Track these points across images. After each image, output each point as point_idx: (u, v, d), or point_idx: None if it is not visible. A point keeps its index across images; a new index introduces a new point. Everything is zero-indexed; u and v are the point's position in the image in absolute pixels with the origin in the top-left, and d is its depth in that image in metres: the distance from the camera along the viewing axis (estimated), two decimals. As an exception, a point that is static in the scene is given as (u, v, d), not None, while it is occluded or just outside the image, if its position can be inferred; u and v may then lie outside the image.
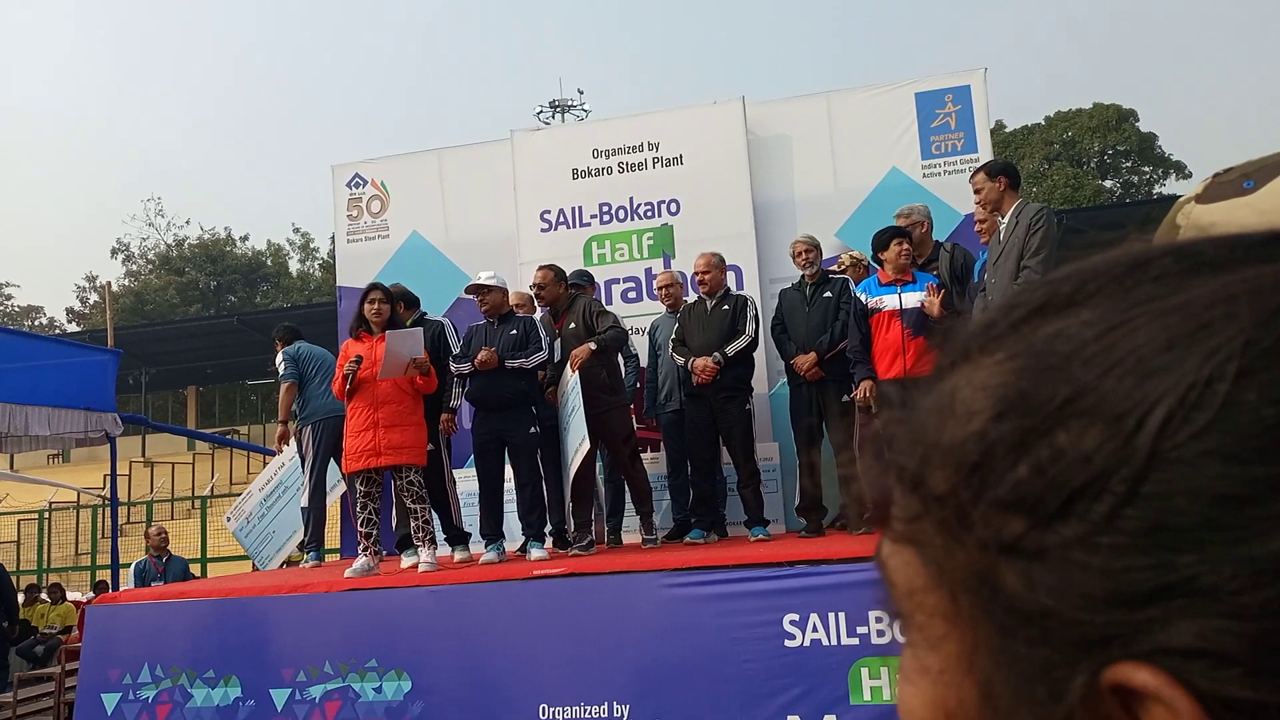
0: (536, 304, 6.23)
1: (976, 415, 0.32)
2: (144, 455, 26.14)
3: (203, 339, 31.57)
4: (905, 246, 5.37)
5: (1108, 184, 39.12)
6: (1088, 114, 39.26)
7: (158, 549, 9.23)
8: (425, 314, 6.49)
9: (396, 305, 5.74)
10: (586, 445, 5.38)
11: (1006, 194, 4.87)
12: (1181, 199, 0.84)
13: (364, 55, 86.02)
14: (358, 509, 5.29)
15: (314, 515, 6.64)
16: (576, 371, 5.51)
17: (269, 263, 47.19)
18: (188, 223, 50.62)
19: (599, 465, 6.24)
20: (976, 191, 5.02)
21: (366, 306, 5.46)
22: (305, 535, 6.73)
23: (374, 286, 5.58)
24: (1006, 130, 38.54)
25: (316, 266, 46.93)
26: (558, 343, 5.90)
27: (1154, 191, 39.30)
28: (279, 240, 48.27)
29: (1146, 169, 40.08)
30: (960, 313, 5.33)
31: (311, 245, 47.77)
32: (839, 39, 78.73)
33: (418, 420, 5.30)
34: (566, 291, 6.06)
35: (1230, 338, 0.29)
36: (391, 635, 4.57)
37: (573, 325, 5.87)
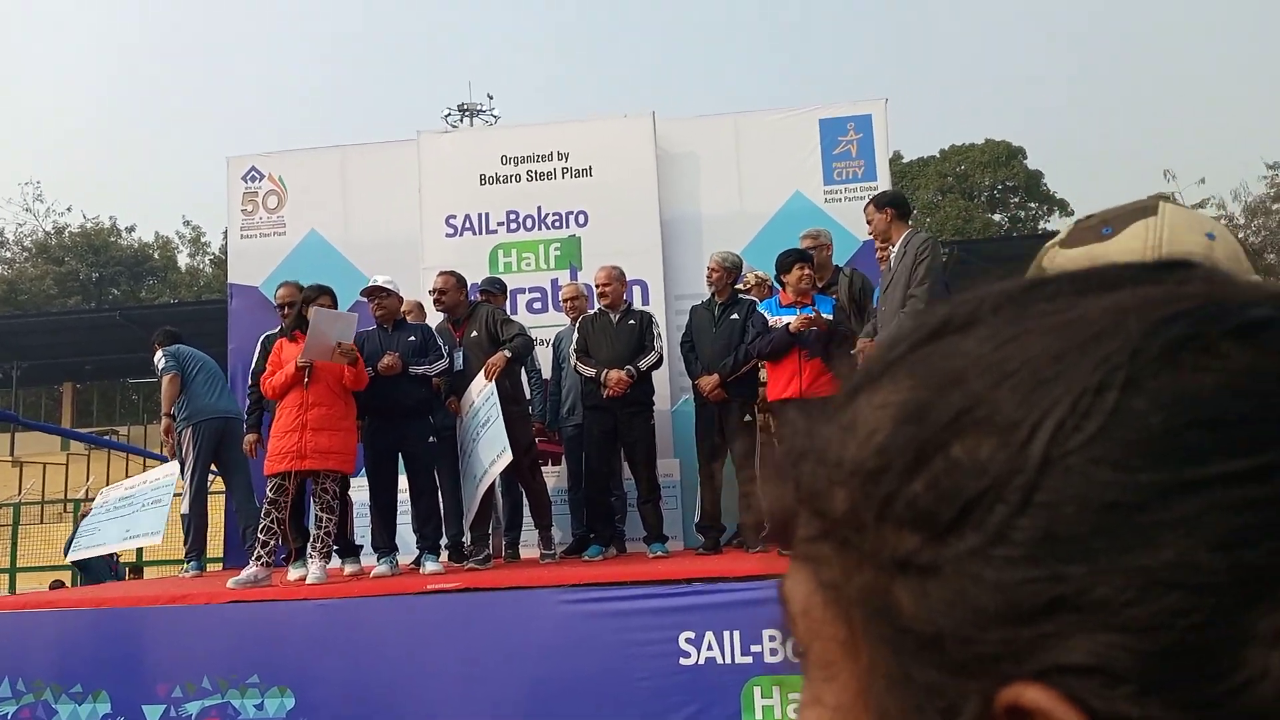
0: (436, 310, 6.09)
1: (876, 432, 0.32)
2: (12, 454, 24.63)
3: (82, 333, 29.93)
4: (807, 271, 5.49)
5: (997, 217, 40.87)
6: (979, 149, 40.99)
7: None
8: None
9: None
10: (508, 456, 5.28)
11: (894, 224, 5.05)
12: (1048, 244, 0.89)
13: (267, 44, 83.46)
14: (262, 514, 5.05)
15: (195, 522, 6.36)
16: (491, 381, 5.42)
17: (156, 256, 45.17)
18: (69, 209, 48.05)
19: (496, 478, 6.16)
20: (868, 223, 5.21)
21: (310, 309, 5.25)
22: (185, 543, 6.42)
23: (323, 289, 5.41)
24: (904, 160, 39.87)
25: (207, 262, 45.17)
26: (459, 352, 5.81)
27: (1039, 227, 41.22)
28: (168, 233, 46.30)
29: (1033, 205, 42.04)
30: (849, 335, 5.46)
31: (203, 239, 45.95)
32: (747, 60, 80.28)
33: (349, 426, 5.12)
34: (466, 299, 5.97)
35: (1119, 347, 0.29)
36: (275, 650, 4.39)
37: (475, 334, 5.79)
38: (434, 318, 6.90)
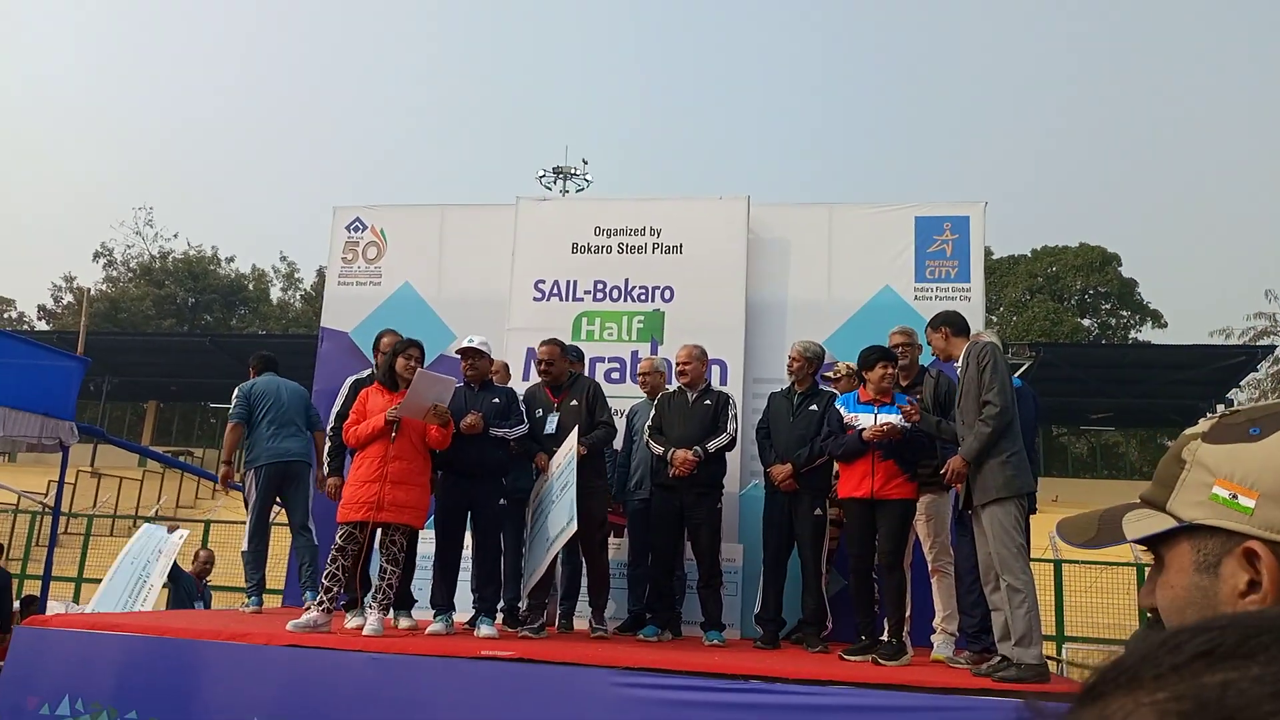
0: (541, 379, 6.11)
1: None
2: (93, 465, 25.50)
3: (172, 355, 31.20)
4: (890, 370, 5.41)
5: (1086, 322, 39.97)
6: (1073, 252, 40.33)
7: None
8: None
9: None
10: (573, 529, 5.27)
11: (952, 341, 5.01)
12: (1187, 433, 0.86)
13: (377, 98, 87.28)
14: (328, 561, 5.10)
15: (254, 559, 6.45)
16: (575, 450, 5.46)
17: (251, 287, 46.98)
18: (175, 236, 50.39)
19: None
20: (929, 343, 5.19)
21: (400, 360, 5.34)
22: (247, 580, 6.51)
23: (412, 343, 5.49)
24: (994, 257, 39.44)
25: (298, 297, 46.79)
26: (553, 416, 5.85)
27: (1130, 336, 40.20)
28: (264, 266, 48.18)
29: (1125, 313, 41.03)
30: (936, 438, 5.35)
31: (296, 275, 47.72)
32: (843, 152, 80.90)
33: (425, 482, 5.19)
34: (568, 367, 6.06)
35: None
36: (327, 698, 4.40)
37: (574, 403, 5.86)
38: (517, 380, 7.01)
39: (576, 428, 5.64)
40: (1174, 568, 0.83)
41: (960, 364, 4.90)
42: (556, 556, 5.64)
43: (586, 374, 6.84)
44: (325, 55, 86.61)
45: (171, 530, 8.83)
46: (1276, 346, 32.56)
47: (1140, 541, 0.86)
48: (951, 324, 5.05)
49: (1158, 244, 64.10)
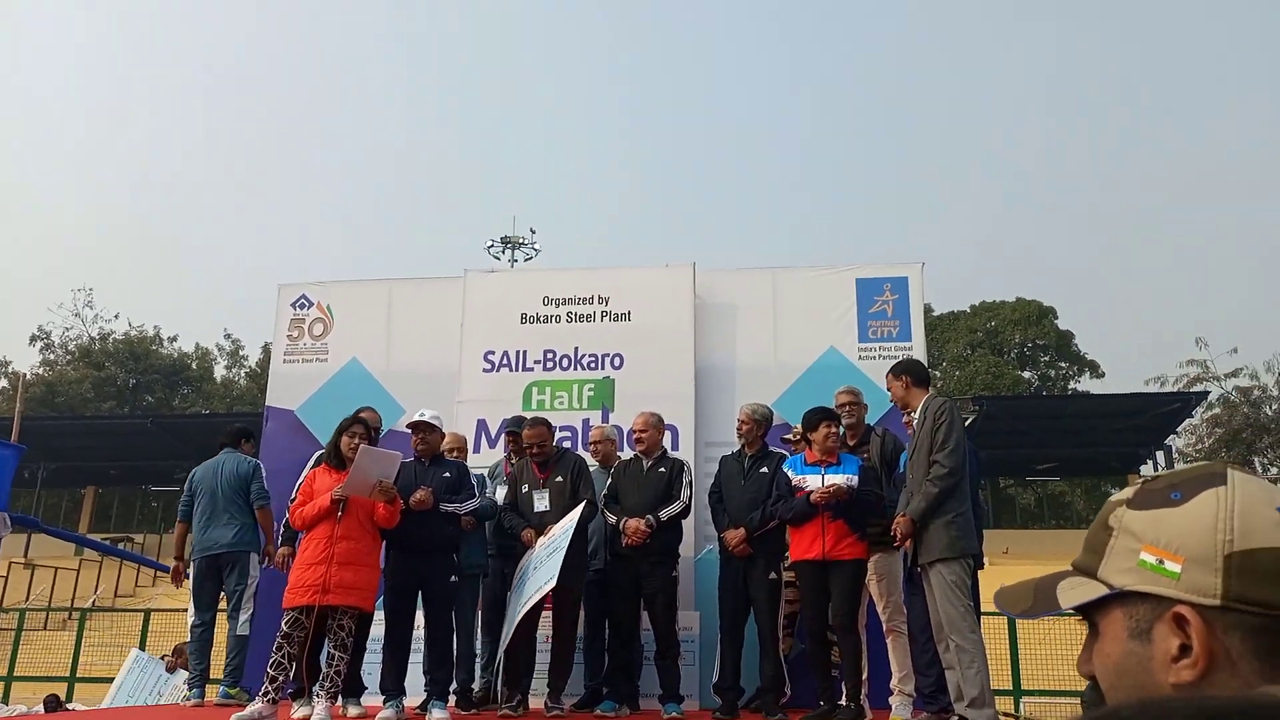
0: (532, 460, 6.08)
1: None
2: (26, 556, 24.53)
3: (111, 438, 30.35)
4: (833, 429, 5.47)
5: (1026, 374, 40.86)
6: (1010, 306, 41.39)
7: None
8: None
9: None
10: (553, 584, 5.21)
11: (911, 390, 5.10)
12: (1112, 499, 0.88)
13: (322, 172, 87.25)
14: (274, 649, 4.93)
15: (195, 649, 6.29)
16: (575, 519, 5.45)
17: (194, 365, 46.10)
18: (116, 316, 49.41)
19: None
20: (889, 389, 5.26)
21: (344, 438, 5.27)
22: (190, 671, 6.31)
23: (356, 419, 5.42)
24: (934, 314, 40.28)
25: (243, 375, 46.00)
26: (540, 494, 5.82)
27: (1069, 386, 41.13)
28: (208, 344, 47.38)
29: (1063, 364, 42.05)
30: (883, 497, 5.40)
31: (241, 353, 46.96)
32: (786, 219, 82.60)
33: (374, 563, 5.06)
34: (554, 443, 6.06)
35: None
36: (273, 794, 4.23)
37: (560, 479, 5.83)
38: (489, 455, 6.95)
39: (585, 502, 5.65)
40: (1108, 635, 0.84)
41: (918, 417, 4.96)
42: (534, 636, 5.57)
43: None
44: (266, 130, 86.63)
45: (171, 670, 8.54)
46: (1209, 392, 33.57)
47: (1074, 610, 0.88)
48: (912, 373, 5.13)
49: (1091, 295, 66.08)
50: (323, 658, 5.13)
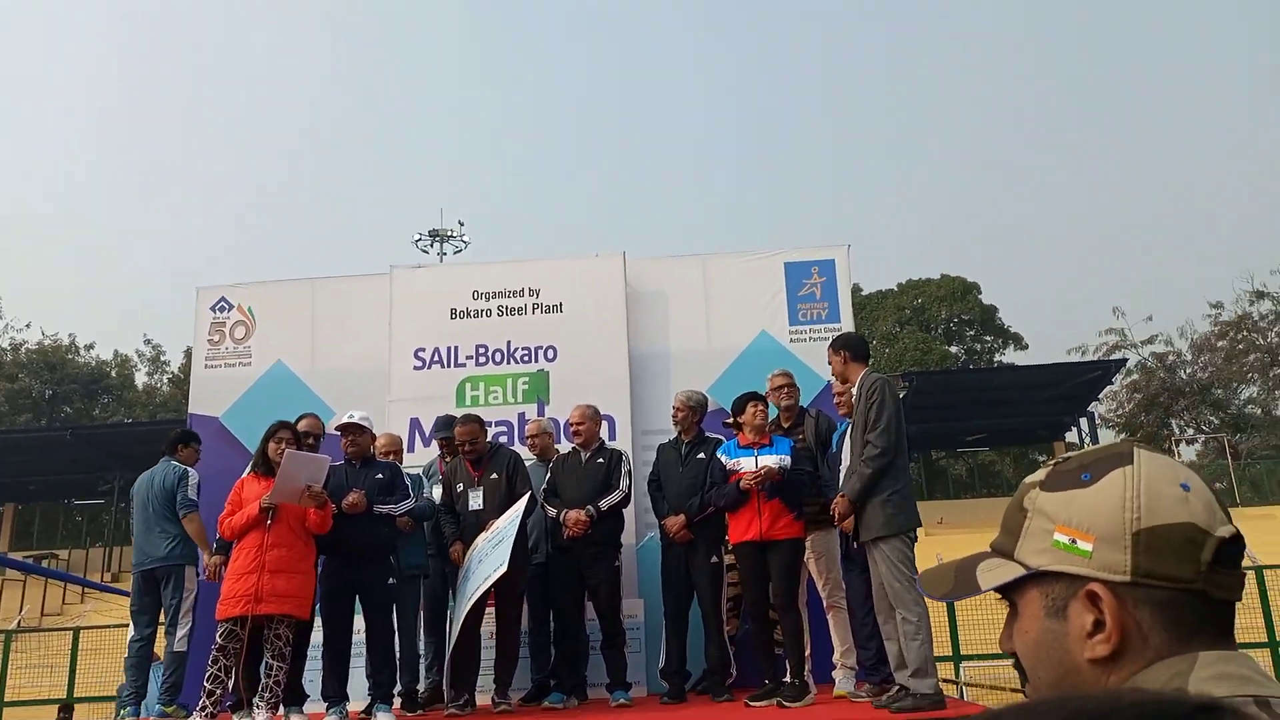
0: (465, 458, 6.01)
1: None
2: (-58, 579, 23.52)
3: (29, 452, 29.19)
4: (760, 408, 5.51)
5: (953, 349, 41.84)
6: (936, 284, 42.31)
7: None
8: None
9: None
10: (503, 569, 5.18)
11: (850, 365, 5.16)
12: (1026, 481, 0.91)
13: (238, 169, 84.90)
14: (209, 662, 4.81)
15: (131, 665, 6.11)
16: (520, 511, 5.43)
17: (113, 374, 44.60)
18: (28, 326, 47.44)
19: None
20: (829, 363, 5.34)
21: (271, 444, 5.14)
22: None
23: (283, 425, 5.30)
24: (863, 293, 40.97)
25: (165, 381, 44.67)
26: (475, 492, 5.77)
27: (994, 359, 42.24)
28: (127, 350, 45.87)
29: (988, 338, 43.16)
30: (818, 476, 5.47)
31: (163, 359, 45.60)
32: (714, 206, 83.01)
33: (307, 569, 4.95)
34: (486, 440, 6.00)
35: None
36: (214, 811, 4.13)
37: (495, 476, 5.78)
38: (423, 454, 6.86)
39: (529, 493, 5.64)
40: (1026, 614, 0.86)
41: (855, 393, 5.02)
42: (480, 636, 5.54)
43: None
44: (178, 128, 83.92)
45: None
46: (1127, 359, 34.81)
47: (994, 590, 0.89)
48: (851, 348, 5.19)
49: (1013, 270, 67.94)
50: (262, 668, 5.02)
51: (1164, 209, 71.81)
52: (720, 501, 5.43)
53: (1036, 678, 0.86)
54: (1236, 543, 0.80)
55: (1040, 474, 0.89)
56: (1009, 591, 0.88)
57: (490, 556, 5.35)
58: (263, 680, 4.85)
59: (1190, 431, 38.36)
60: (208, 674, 4.75)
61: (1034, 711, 0.35)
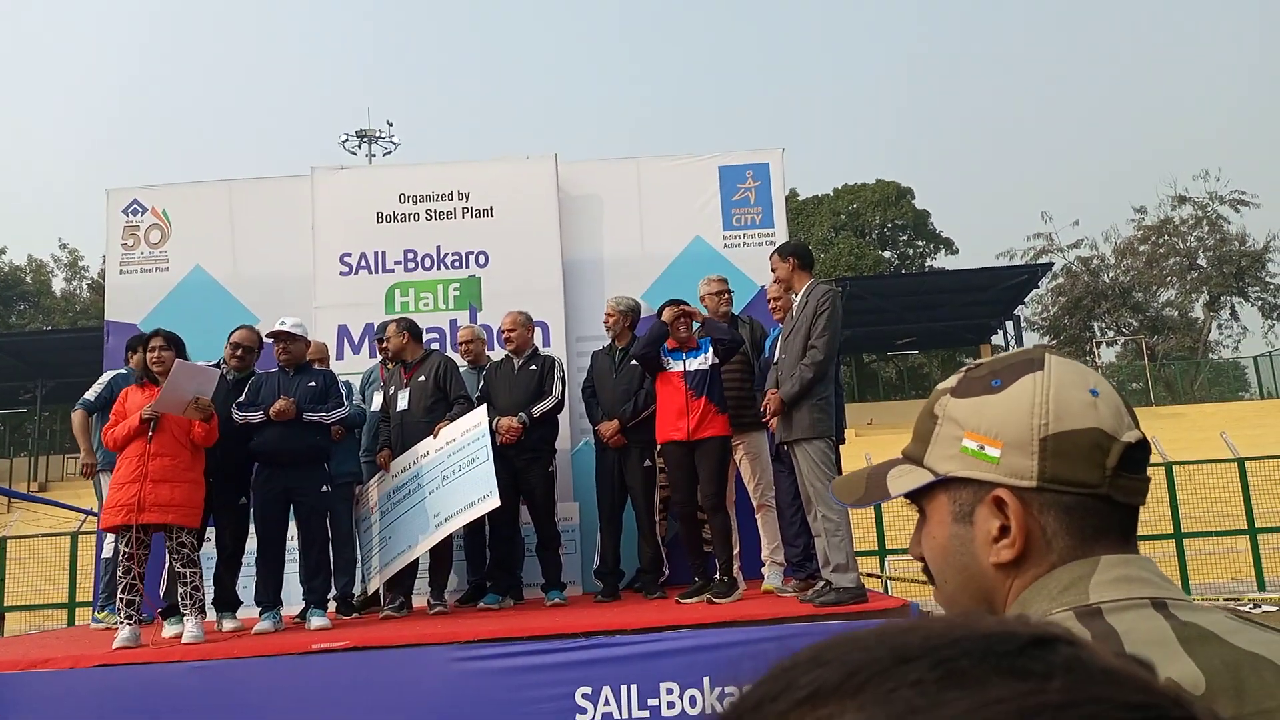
0: (385, 361, 5.94)
1: None
2: None
3: (-60, 361, 28.07)
4: (678, 306, 5.50)
5: (887, 254, 42.32)
6: (870, 189, 42.47)
7: None
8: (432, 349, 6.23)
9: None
10: (494, 501, 5.21)
11: (797, 273, 5.16)
12: (938, 388, 0.90)
13: (152, 62, 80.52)
14: (120, 572, 4.76)
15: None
16: (485, 423, 5.40)
17: (29, 279, 42.82)
18: (-69, 229, 45.08)
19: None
20: (773, 270, 5.30)
21: (147, 355, 4.97)
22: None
23: (156, 333, 5.10)
24: (799, 198, 40.98)
25: (85, 287, 43.06)
26: (403, 393, 5.74)
27: (926, 264, 42.88)
28: (43, 255, 43.97)
29: (921, 243, 43.70)
30: (735, 346, 5.48)
31: (80, 264, 43.84)
32: (648, 108, 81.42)
33: (195, 478, 4.85)
34: (416, 345, 5.93)
35: None
36: (149, 717, 4.14)
37: (423, 378, 5.74)
38: (353, 361, 6.76)
39: (486, 405, 5.61)
40: (934, 519, 0.87)
41: (798, 300, 5.04)
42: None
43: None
44: (90, 14, 78.93)
45: None
46: (1054, 264, 35.64)
47: (904, 496, 0.90)
48: (799, 255, 5.18)
49: (946, 176, 68.47)
50: (173, 578, 5.01)
51: (1093, 115, 72.68)
52: (639, 349, 5.48)
53: (943, 581, 0.87)
54: (1142, 448, 0.81)
55: (952, 380, 0.89)
56: (918, 498, 0.88)
57: (464, 479, 5.33)
58: (179, 590, 4.82)
59: (1111, 334, 39.73)
60: (121, 584, 4.71)
61: (858, 643, 0.34)
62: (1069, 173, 67.15)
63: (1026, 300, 33.04)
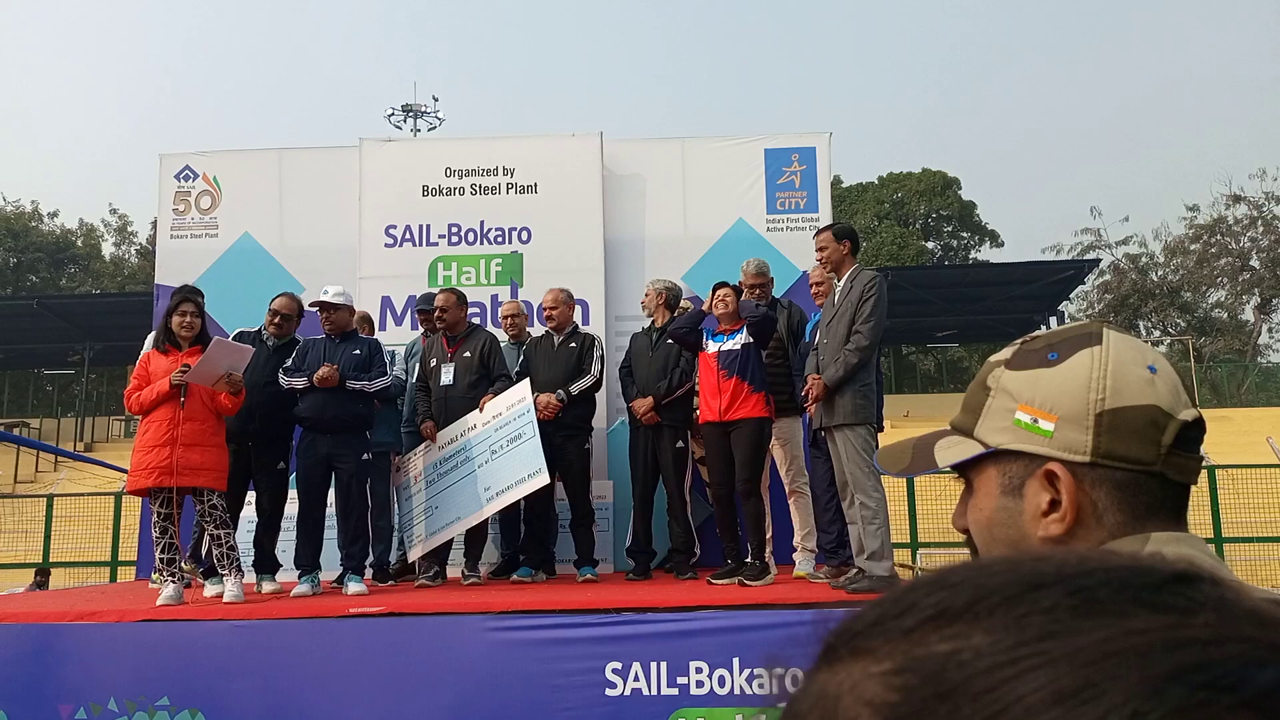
0: (437, 327, 5.98)
1: None
2: (-88, 445, 23.48)
3: (-6, 321, 28.76)
4: (723, 290, 5.49)
5: (930, 245, 41.79)
6: (916, 178, 41.89)
7: None
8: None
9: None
10: (543, 479, 5.27)
11: (847, 258, 5.08)
12: (992, 359, 0.88)
13: (205, 35, 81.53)
14: (156, 533, 4.86)
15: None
16: (530, 399, 5.44)
17: (79, 243, 43.65)
18: (-13, 191, 45.99)
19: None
20: (820, 249, 5.18)
21: (175, 318, 4.98)
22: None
23: (185, 297, 5.08)
24: (843, 185, 40.56)
25: (133, 252, 43.82)
26: (448, 367, 5.77)
27: (970, 256, 42.31)
28: (93, 220, 44.79)
29: (965, 234, 43.09)
30: (769, 322, 5.44)
31: (130, 229, 44.58)
32: (694, 87, 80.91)
33: (220, 442, 4.93)
34: (466, 317, 5.97)
35: (1118, 703, 0.28)
36: (188, 671, 4.24)
37: (468, 354, 5.77)
38: (395, 332, 6.82)
39: (527, 379, 5.63)
40: (982, 491, 0.86)
41: (842, 284, 4.98)
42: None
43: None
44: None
45: None
46: (1101, 260, 34.97)
47: (951, 468, 0.89)
48: (854, 239, 5.10)
49: (994, 167, 67.37)
50: (209, 541, 5.10)
51: (1147, 110, 71.08)
52: (676, 328, 5.49)
53: (988, 554, 0.86)
54: (1198, 426, 0.80)
55: (1006, 352, 0.88)
56: (965, 469, 0.88)
57: (511, 454, 5.37)
58: (215, 552, 4.91)
59: (1157, 333, 38.97)
60: (159, 544, 4.81)
61: (985, 569, 0.33)
62: (1120, 168, 65.82)
63: (1072, 296, 32.43)
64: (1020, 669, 0.30)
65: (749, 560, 5.30)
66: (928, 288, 28.21)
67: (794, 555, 5.73)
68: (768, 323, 5.36)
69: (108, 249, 44.62)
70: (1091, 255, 35.95)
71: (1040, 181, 67.64)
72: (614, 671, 4.07)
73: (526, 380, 5.64)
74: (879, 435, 5.08)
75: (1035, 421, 0.81)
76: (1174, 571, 0.33)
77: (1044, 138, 71.39)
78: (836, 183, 38.84)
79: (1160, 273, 39.09)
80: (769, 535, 5.50)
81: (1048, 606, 0.32)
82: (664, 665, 4.07)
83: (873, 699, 0.32)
